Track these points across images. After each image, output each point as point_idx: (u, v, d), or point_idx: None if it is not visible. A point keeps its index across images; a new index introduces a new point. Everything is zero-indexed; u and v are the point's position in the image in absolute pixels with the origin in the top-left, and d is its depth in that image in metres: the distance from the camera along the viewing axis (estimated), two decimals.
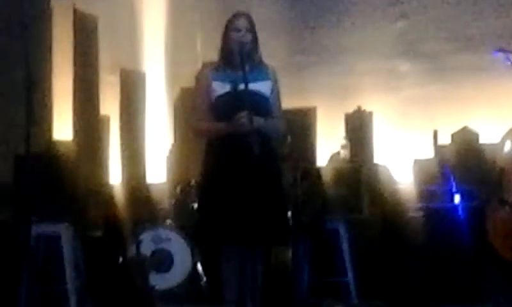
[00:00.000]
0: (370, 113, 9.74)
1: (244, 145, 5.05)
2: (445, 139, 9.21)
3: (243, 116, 5.07)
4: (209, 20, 9.70)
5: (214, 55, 5.52)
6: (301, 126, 9.20)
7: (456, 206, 7.27)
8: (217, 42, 5.46)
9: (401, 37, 10.13)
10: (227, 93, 5.24)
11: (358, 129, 9.61)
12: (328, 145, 9.45)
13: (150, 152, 9.87)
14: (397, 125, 9.76)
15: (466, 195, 7.31)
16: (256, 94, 5.22)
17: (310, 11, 10.50)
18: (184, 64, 9.76)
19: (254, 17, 5.39)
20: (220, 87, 5.29)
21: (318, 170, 8.06)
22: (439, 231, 7.18)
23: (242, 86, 5.15)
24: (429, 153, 9.19)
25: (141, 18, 10.33)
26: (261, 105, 5.25)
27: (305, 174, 7.38)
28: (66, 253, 7.16)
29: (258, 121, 5.13)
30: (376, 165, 9.04)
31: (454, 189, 7.35)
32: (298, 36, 10.40)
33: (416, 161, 8.74)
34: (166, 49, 10.33)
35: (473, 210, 7.18)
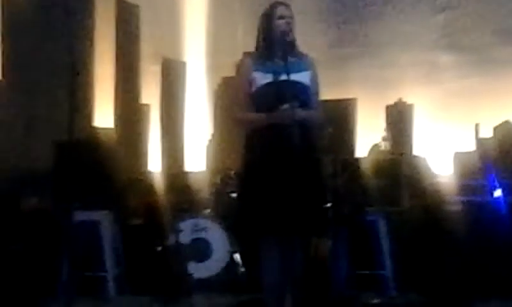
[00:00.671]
0: (411, 105, 9.70)
1: (286, 136, 5.03)
2: (486, 133, 9.14)
3: (287, 108, 5.05)
4: (249, 9, 9.71)
5: (254, 45, 5.50)
6: (341, 117, 9.19)
7: (496, 200, 7.20)
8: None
9: (443, 29, 10.07)
10: (268, 83, 5.21)
11: (398, 121, 9.58)
12: (368, 136, 9.41)
13: (190, 141, 9.91)
14: (437, 117, 9.71)
15: (507, 189, 7.24)
16: (297, 85, 5.19)
17: (353, 3, 10.46)
18: (225, 53, 9.78)
19: (296, 8, 5.36)
20: (261, 77, 5.25)
21: (358, 161, 8.02)
22: (479, 224, 7.11)
23: (283, 76, 5.12)
24: (470, 146, 9.12)
25: (182, 8, 10.36)
26: (302, 96, 5.21)
27: (345, 166, 7.36)
28: (105, 240, 7.22)
29: (300, 112, 5.10)
30: (415, 157, 8.99)
31: (494, 183, 7.29)
32: (340, 28, 10.37)
33: (456, 154, 8.68)
34: (207, 39, 10.36)
35: None
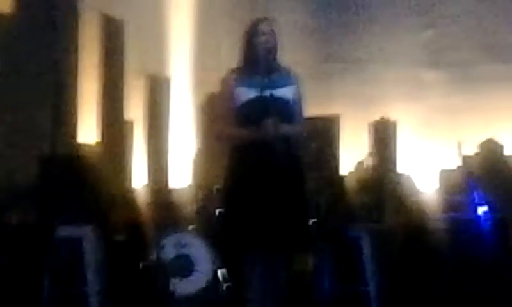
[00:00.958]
0: (394, 122, 9.71)
1: (269, 152, 5.02)
2: (469, 150, 9.16)
3: (269, 123, 5.04)
4: (234, 25, 9.71)
5: (241, 61, 5.49)
6: (325, 134, 9.18)
7: (481, 217, 7.21)
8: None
9: (427, 47, 10.10)
10: (252, 99, 5.20)
11: (382, 138, 9.58)
12: (352, 153, 9.42)
13: (174, 157, 9.89)
14: (421, 134, 9.72)
15: (491, 206, 7.25)
16: (281, 100, 5.18)
17: (337, 20, 10.48)
18: (209, 69, 9.77)
19: (280, 25, 5.35)
20: (245, 93, 5.24)
21: (341, 178, 8.03)
22: (463, 241, 7.12)
23: (266, 92, 5.11)
24: (453, 164, 9.13)
25: (167, 23, 10.36)
26: (286, 111, 5.20)
27: (328, 182, 7.36)
28: (87, 256, 7.17)
29: (283, 127, 5.10)
30: (400, 174, 9.00)
31: (478, 200, 7.30)
32: (324, 44, 10.39)
33: (441, 171, 8.70)
34: (192, 54, 10.35)
35: (498, 221, 7.13)
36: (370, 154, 8.79)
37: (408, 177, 8.77)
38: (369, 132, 9.58)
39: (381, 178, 8.35)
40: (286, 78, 5.26)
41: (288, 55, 5.33)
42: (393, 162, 9.49)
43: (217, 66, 9.47)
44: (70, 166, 7.45)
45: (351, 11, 10.48)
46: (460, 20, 10.06)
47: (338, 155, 9.54)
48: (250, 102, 5.17)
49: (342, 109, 9.89)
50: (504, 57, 9.57)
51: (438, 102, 9.86)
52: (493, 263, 6.96)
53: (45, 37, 9.19)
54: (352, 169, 8.96)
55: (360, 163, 8.91)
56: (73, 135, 9.15)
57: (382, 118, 9.67)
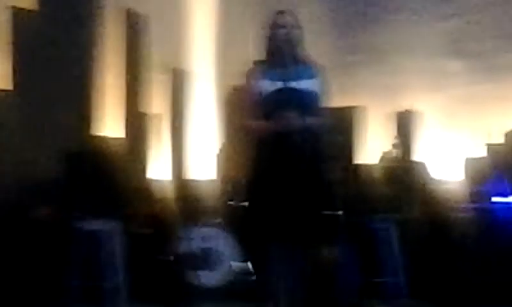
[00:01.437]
0: (419, 113, 9.68)
1: (292, 144, 5.04)
2: (496, 139, 9.12)
3: (291, 114, 5.06)
4: (259, 17, 9.69)
5: (264, 53, 5.51)
6: (350, 125, 9.17)
7: (508, 206, 7.18)
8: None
9: (452, 36, 10.06)
10: (275, 91, 5.22)
11: (408, 128, 9.56)
12: (378, 144, 9.40)
13: (200, 150, 9.91)
14: (447, 124, 9.69)
15: None
16: (304, 92, 5.19)
17: (361, 11, 10.46)
18: (234, 62, 9.76)
19: (303, 17, 5.35)
20: (269, 85, 5.26)
21: (368, 168, 8.02)
22: (490, 230, 7.09)
23: (291, 84, 5.13)
24: (480, 153, 9.10)
25: (192, 17, 10.38)
26: (309, 103, 5.21)
27: (355, 173, 7.35)
28: (114, 250, 7.22)
29: (307, 119, 5.11)
30: (426, 164, 8.98)
31: (505, 188, 7.27)
32: (349, 36, 10.37)
33: (467, 160, 8.66)
34: (216, 48, 10.36)
35: None
36: (395, 145, 8.76)
37: (435, 167, 8.74)
38: (394, 123, 9.56)
39: (406, 168, 8.32)
40: (310, 70, 5.27)
41: (311, 48, 5.34)
42: (418, 153, 9.46)
43: (242, 59, 9.47)
44: (95, 161, 7.50)
45: (373, 2, 10.47)
46: (484, 8, 10.01)
47: (364, 146, 9.53)
48: (274, 94, 5.19)
49: (365, 100, 9.88)
50: None
51: (462, 91, 9.82)
52: None
53: (69, 33, 9.24)
54: (377, 159, 8.94)
55: (385, 153, 8.88)
56: (98, 130, 9.20)
57: (406, 109, 9.64)
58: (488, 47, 9.81)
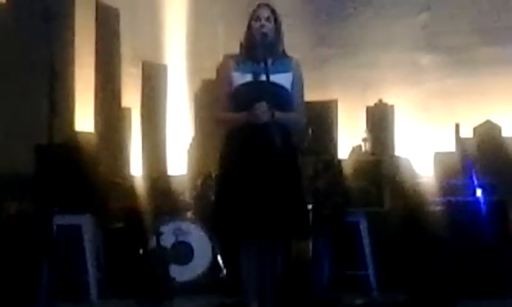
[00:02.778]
0: (392, 106, 9.70)
1: (262, 136, 5.02)
2: (467, 133, 9.16)
3: (261, 107, 5.05)
4: (231, 11, 9.68)
5: (236, 47, 5.51)
6: (322, 118, 9.17)
7: (477, 200, 7.22)
8: (238, 33, 5.44)
9: (423, 30, 10.08)
10: (247, 84, 5.21)
11: (379, 122, 9.58)
12: (349, 138, 9.42)
13: (171, 144, 9.87)
14: (418, 118, 9.72)
15: (488, 188, 7.26)
16: (276, 86, 5.18)
17: (332, 4, 10.46)
18: (205, 56, 9.75)
19: (276, 9, 5.34)
20: (240, 78, 5.25)
21: (339, 162, 8.02)
22: (460, 224, 7.13)
23: (262, 77, 5.12)
24: (450, 147, 9.15)
25: (163, 10, 10.33)
26: (281, 97, 5.20)
27: (326, 167, 7.35)
28: (87, 244, 7.20)
29: (277, 113, 5.10)
30: (397, 158, 9.00)
31: (475, 183, 7.31)
32: (320, 29, 10.37)
33: (437, 154, 8.71)
34: (188, 41, 10.33)
35: (494, 204, 7.14)
36: (365, 139, 8.78)
37: (406, 160, 8.77)
38: (366, 116, 9.58)
39: (378, 162, 8.34)
40: (284, 64, 5.27)
41: (284, 41, 5.34)
42: (390, 146, 9.48)
43: (214, 53, 9.45)
44: (68, 154, 7.45)
45: None
46: (457, 2, 10.05)
47: (336, 139, 9.54)
48: (245, 86, 5.19)
49: (338, 93, 9.88)
50: (501, 39, 9.57)
51: (434, 85, 9.86)
52: (490, 246, 6.98)
53: (38, 25, 9.16)
54: (349, 153, 8.95)
55: (357, 147, 8.90)
56: (70, 124, 9.14)
57: (379, 102, 9.66)
58: (460, 41, 9.84)
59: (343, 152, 9.22)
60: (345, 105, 9.77)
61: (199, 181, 8.12)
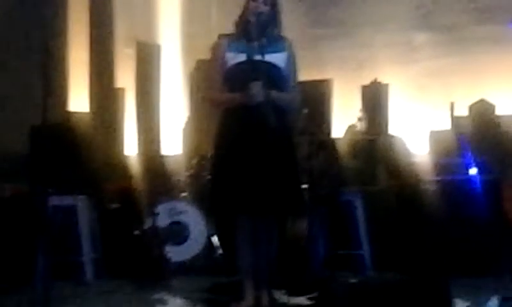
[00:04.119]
0: (386, 85, 9.70)
1: (256, 116, 5.04)
2: (461, 111, 9.17)
3: (255, 86, 5.06)
4: None
5: (229, 27, 5.51)
6: (317, 98, 9.16)
7: (472, 179, 7.23)
8: (233, 14, 5.45)
9: (417, 9, 10.07)
10: (240, 63, 5.22)
11: (374, 101, 9.58)
12: (344, 117, 9.42)
13: (166, 124, 9.86)
14: (413, 97, 9.72)
15: (483, 167, 7.27)
16: (270, 65, 5.19)
17: None
18: (200, 36, 9.73)
19: None
20: (234, 58, 5.26)
21: (334, 142, 8.03)
22: (455, 203, 7.15)
23: (257, 57, 5.13)
24: (445, 125, 9.15)
25: None
26: (275, 77, 5.22)
27: (321, 146, 7.36)
28: (82, 225, 7.22)
29: (271, 92, 5.11)
30: (391, 137, 9.00)
31: (470, 161, 7.32)
32: (315, 8, 10.35)
33: (432, 133, 8.71)
34: (182, 21, 10.30)
35: (489, 183, 7.16)
36: (360, 118, 8.78)
37: (400, 140, 8.77)
38: (362, 96, 9.58)
39: (373, 141, 8.35)
40: (278, 44, 5.29)
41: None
42: (384, 125, 9.48)
43: (208, 33, 9.43)
44: (62, 135, 7.44)
45: None
46: None
47: (331, 119, 9.54)
48: (238, 66, 5.21)
49: (332, 73, 9.88)
50: (494, 19, 9.56)
51: (429, 64, 9.85)
52: (485, 224, 7.00)
53: (32, 4, 9.13)
54: (345, 132, 8.95)
55: (351, 126, 8.90)
56: (64, 104, 9.13)
57: (373, 82, 9.65)
58: (456, 20, 9.83)
59: (338, 131, 9.23)
60: (340, 84, 9.77)
61: (194, 161, 8.12)
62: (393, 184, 7.77)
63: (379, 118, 9.49)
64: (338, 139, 8.61)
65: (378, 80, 9.68)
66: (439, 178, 7.41)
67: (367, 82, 9.69)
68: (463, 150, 7.55)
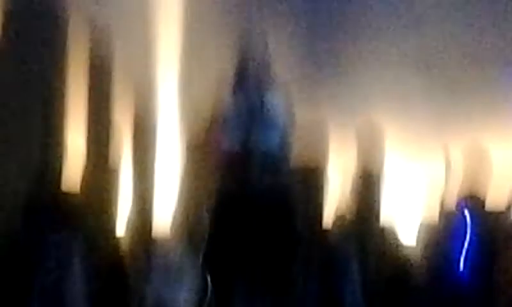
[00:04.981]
0: (381, 127, 9.75)
1: (253, 201, 5.16)
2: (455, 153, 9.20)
3: (252, 173, 5.15)
4: (225, 50, 9.70)
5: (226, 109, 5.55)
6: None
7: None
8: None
9: (410, 52, 10.13)
10: (239, 116, 5.29)
11: (367, 143, 9.62)
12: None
13: (159, 205, 9.86)
14: (407, 138, 9.78)
15: None
16: (269, 117, 5.26)
17: (322, 23, 10.52)
18: (198, 101, 9.81)
19: (266, 34, 5.34)
20: (228, 142, 5.34)
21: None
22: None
23: (255, 109, 5.21)
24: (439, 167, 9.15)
25: (154, 69, 10.34)
26: (271, 160, 5.30)
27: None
28: (69, 299, 7.31)
29: (269, 178, 5.18)
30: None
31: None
32: (308, 48, 10.42)
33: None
34: (179, 96, 10.36)
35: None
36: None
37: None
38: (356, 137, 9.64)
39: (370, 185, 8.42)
40: (272, 87, 5.39)
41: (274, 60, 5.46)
42: (379, 167, 9.53)
43: (206, 95, 9.50)
44: (53, 215, 7.56)
45: (337, 18, 10.54)
46: (446, 25, 10.09)
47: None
48: (236, 152, 5.34)
49: (327, 114, 9.91)
50: (487, 61, 9.61)
51: (424, 106, 9.92)
52: None
53: (30, 47, 9.29)
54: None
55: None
56: (57, 182, 9.23)
57: (368, 123, 9.74)
58: (447, 64, 9.89)
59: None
60: (333, 126, 9.79)
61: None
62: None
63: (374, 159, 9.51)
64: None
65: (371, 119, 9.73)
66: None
67: (360, 122, 9.73)
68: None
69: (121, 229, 9.48)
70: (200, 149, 7.49)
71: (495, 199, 8.63)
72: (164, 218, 9.60)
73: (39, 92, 9.47)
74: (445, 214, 8.15)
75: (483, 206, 8.32)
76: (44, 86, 9.60)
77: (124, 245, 8.50)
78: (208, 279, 7.26)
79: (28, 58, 9.28)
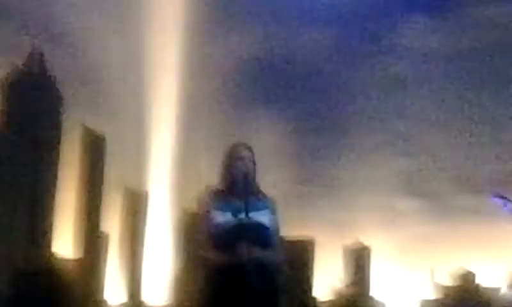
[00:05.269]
0: (368, 248, 9.80)
1: (243, 276, 5.04)
2: (442, 277, 9.24)
3: (241, 247, 5.07)
4: (213, 144, 9.84)
5: (220, 182, 5.55)
6: (299, 257, 9.22)
7: None
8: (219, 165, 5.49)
9: (401, 176, 10.28)
10: (227, 222, 5.25)
11: (355, 262, 9.65)
12: (326, 277, 9.46)
13: (149, 272, 9.82)
14: (395, 260, 9.80)
15: None
16: (255, 224, 5.23)
17: (313, 144, 10.66)
18: (188, 185, 9.84)
19: (257, 147, 5.43)
20: (220, 216, 5.29)
21: (315, 301, 8.05)
22: None
23: (242, 215, 5.17)
24: (427, 292, 9.20)
25: (148, 141, 10.46)
26: (261, 236, 5.23)
27: (302, 306, 7.37)
28: None
29: (258, 252, 5.12)
30: (372, 299, 9.05)
31: None
32: (300, 167, 10.54)
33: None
34: (171, 170, 10.41)
35: None
36: (342, 279, 8.82)
37: (381, 303, 8.81)
38: (343, 257, 9.65)
39: (354, 302, 8.38)
40: (262, 202, 5.33)
41: (264, 178, 5.42)
42: (366, 288, 9.53)
43: (196, 183, 9.51)
44: (48, 282, 7.41)
45: (328, 137, 10.69)
46: (433, 151, 10.30)
47: (313, 278, 9.58)
48: (225, 225, 5.23)
49: (316, 232, 9.97)
50: (473, 189, 9.79)
51: (412, 229, 10.00)
52: None
53: (27, 152, 9.24)
54: (325, 293, 8.97)
55: (333, 288, 8.93)
56: (48, 249, 9.12)
57: (356, 243, 9.76)
58: (436, 188, 10.04)
59: (319, 291, 9.25)
60: (322, 244, 9.86)
61: None
62: None
63: (360, 280, 9.53)
64: (320, 299, 8.64)
65: (360, 241, 9.79)
66: None
67: (349, 243, 9.79)
68: None
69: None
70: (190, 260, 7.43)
71: None
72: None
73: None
74: None
75: None
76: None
77: None
78: None
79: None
